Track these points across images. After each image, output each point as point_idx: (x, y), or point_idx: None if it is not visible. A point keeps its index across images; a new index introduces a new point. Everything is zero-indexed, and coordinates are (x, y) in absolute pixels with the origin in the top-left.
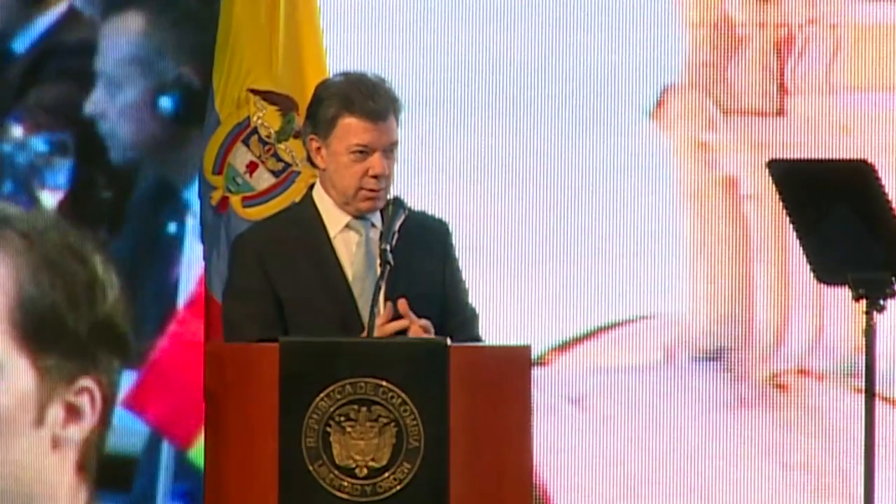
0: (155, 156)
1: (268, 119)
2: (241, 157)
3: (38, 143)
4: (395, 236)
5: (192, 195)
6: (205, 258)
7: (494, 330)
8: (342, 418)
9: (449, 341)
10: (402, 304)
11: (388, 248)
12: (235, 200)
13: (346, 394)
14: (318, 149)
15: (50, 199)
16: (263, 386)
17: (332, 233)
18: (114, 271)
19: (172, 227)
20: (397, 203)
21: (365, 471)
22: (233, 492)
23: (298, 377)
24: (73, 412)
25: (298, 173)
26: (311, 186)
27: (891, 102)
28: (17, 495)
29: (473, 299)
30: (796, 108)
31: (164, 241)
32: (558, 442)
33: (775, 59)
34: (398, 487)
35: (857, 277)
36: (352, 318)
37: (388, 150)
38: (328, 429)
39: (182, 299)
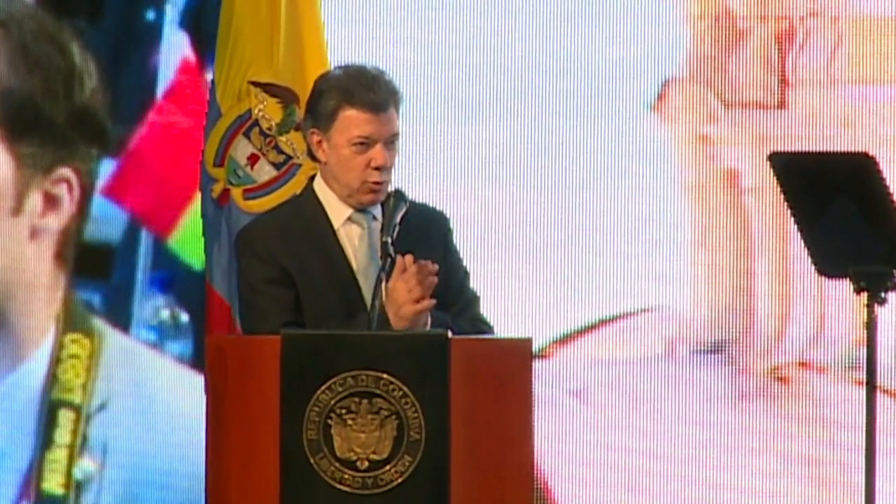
0: None
1: (269, 111)
2: (242, 149)
3: None
4: (397, 229)
5: None
6: (206, 251)
7: (496, 323)
8: (343, 411)
9: (450, 334)
10: (409, 259)
11: (390, 240)
12: (236, 193)
13: (348, 386)
14: (320, 142)
15: None
16: (265, 379)
17: (335, 225)
18: (92, 60)
19: (151, 15)
20: (398, 195)
21: (366, 463)
22: (234, 484)
23: (299, 370)
24: (51, 201)
25: (299, 166)
26: (312, 179)
27: (892, 95)
28: None
29: (476, 292)
30: (797, 101)
31: (142, 29)
32: (559, 434)
33: (776, 51)
34: (399, 480)
35: (858, 270)
36: (358, 309)
37: (390, 141)
38: (329, 421)
39: (161, 88)
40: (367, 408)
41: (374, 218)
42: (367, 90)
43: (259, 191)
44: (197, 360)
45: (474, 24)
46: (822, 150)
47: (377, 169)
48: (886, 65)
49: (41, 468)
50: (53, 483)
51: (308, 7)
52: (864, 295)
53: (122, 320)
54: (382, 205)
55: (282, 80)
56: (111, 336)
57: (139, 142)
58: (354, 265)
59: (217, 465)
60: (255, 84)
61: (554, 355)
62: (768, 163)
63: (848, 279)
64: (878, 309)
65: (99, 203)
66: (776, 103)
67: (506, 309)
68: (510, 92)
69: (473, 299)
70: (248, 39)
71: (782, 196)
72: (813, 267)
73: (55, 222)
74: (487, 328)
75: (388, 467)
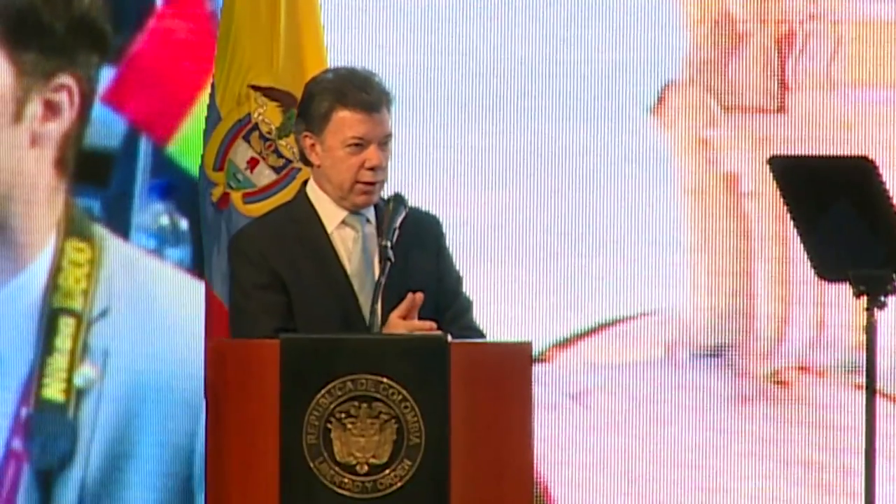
0: None
1: (269, 115)
2: (241, 153)
3: None
4: (396, 233)
5: None
6: (205, 255)
7: (495, 327)
8: (343, 415)
9: (449, 338)
10: (420, 297)
11: (389, 244)
12: (236, 197)
13: (347, 390)
14: (313, 145)
15: None
16: (264, 383)
17: (329, 229)
18: None
19: None
20: (398, 200)
21: (366, 468)
22: (234, 489)
23: (299, 374)
24: (51, 108)
25: (299, 170)
26: (305, 183)
27: (892, 99)
28: None
29: (474, 296)
30: (797, 105)
31: None
32: (559, 438)
33: (776, 55)
34: (399, 484)
35: (857, 274)
36: (353, 312)
37: (383, 142)
38: (329, 425)
39: None
40: (367, 412)
41: (368, 221)
42: (360, 91)
43: (259, 195)
44: (196, 267)
45: (474, 28)
46: (821, 153)
47: (371, 169)
48: (886, 68)
49: (41, 374)
50: (54, 389)
51: (308, 11)
52: (864, 299)
53: (121, 227)
54: (376, 208)
55: (282, 85)
56: (112, 243)
57: (139, 49)
58: (348, 268)
59: (217, 469)
60: (255, 88)
61: (554, 359)
62: (768, 166)
63: (847, 283)
64: (877, 313)
65: (99, 110)
66: (776, 107)
67: (505, 312)
68: (511, 95)
69: (467, 306)
70: (248, 43)
71: (782, 200)
72: (812, 271)
73: (56, 129)
74: (478, 336)
75: (387, 471)
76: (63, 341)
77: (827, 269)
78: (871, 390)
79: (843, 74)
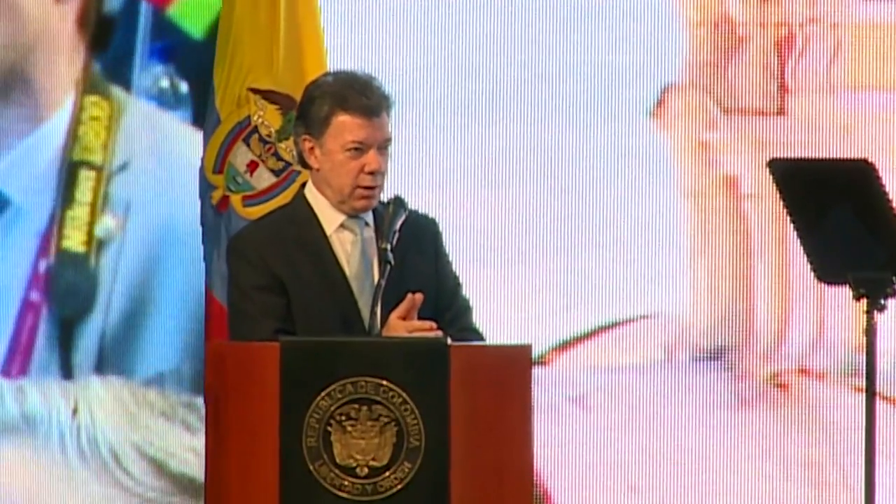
0: None
1: (268, 118)
2: (241, 156)
3: None
4: (396, 236)
5: None
6: (205, 258)
7: (495, 329)
8: (343, 417)
9: (449, 340)
10: (419, 297)
11: (389, 247)
12: (236, 199)
13: (347, 393)
14: (312, 149)
15: None
16: (264, 385)
17: (328, 231)
18: None
19: None
20: (398, 202)
21: (366, 470)
22: (234, 491)
23: (299, 376)
24: None
25: (299, 172)
26: (303, 186)
27: (891, 102)
28: (19, 48)
29: (474, 299)
30: (797, 108)
31: None
32: (559, 441)
33: (776, 58)
34: (399, 487)
35: (857, 277)
36: (352, 315)
37: (383, 146)
38: (329, 428)
39: None
40: (367, 414)
41: (367, 224)
42: (361, 95)
43: (258, 197)
44: (196, 128)
45: (474, 31)
46: (821, 156)
47: (371, 174)
48: (886, 71)
49: (62, 225)
50: (74, 241)
51: (308, 14)
52: (864, 301)
53: (122, 90)
54: (375, 211)
55: (281, 87)
56: (130, 100)
57: None
58: (347, 271)
59: (217, 472)
60: (255, 91)
61: (553, 362)
62: (767, 169)
63: (847, 286)
64: (877, 315)
65: None
66: (775, 110)
67: (505, 315)
68: (511, 98)
69: (465, 308)
70: (248, 46)
71: (781, 202)
72: (812, 273)
73: None
74: (477, 338)
75: (387, 474)
76: (83, 193)
77: (827, 271)
78: (870, 393)
79: (842, 77)
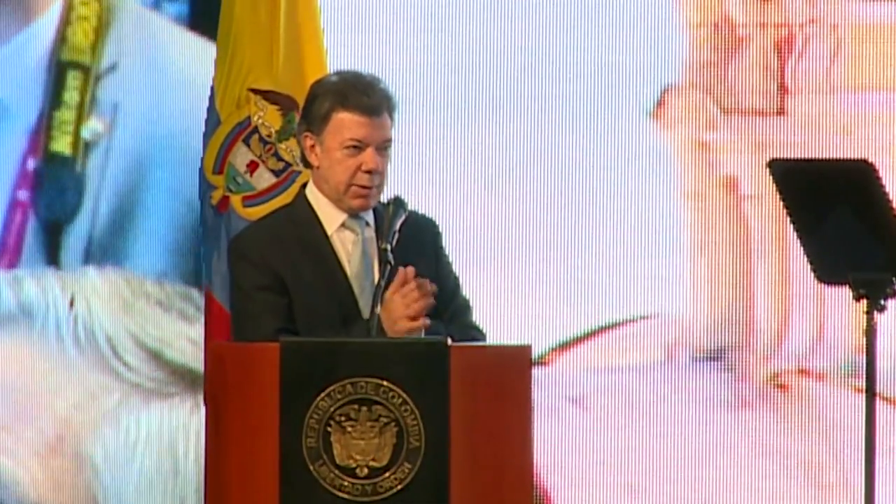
0: None
1: (268, 118)
2: (241, 156)
3: None
4: (396, 236)
5: None
6: (205, 259)
7: (495, 329)
8: (343, 418)
9: (449, 341)
10: (411, 271)
11: (389, 247)
12: (236, 200)
13: (347, 393)
14: (313, 146)
15: None
16: (264, 386)
17: (329, 231)
18: None
19: None
20: (398, 203)
21: (365, 470)
22: (234, 492)
23: (299, 377)
24: None
25: (299, 173)
26: (304, 186)
27: (891, 102)
28: None
29: (475, 299)
30: (797, 108)
31: None
32: (559, 441)
33: (776, 59)
34: (399, 487)
35: (857, 277)
36: (353, 315)
37: (382, 146)
38: (329, 428)
39: None
40: (367, 415)
41: (368, 224)
42: (362, 94)
43: (258, 198)
44: (194, 21)
45: (474, 31)
46: (821, 156)
47: (368, 173)
48: (886, 72)
49: (49, 127)
50: (61, 143)
51: (308, 14)
52: (864, 302)
53: None
54: (375, 211)
55: (281, 88)
56: (121, 1)
57: None
58: (348, 271)
59: (217, 472)
60: (255, 91)
61: (553, 362)
62: (767, 170)
63: (847, 286)
64: (877, 316)
65: None
66: (775, 110)
67: (505, 316)
68: (511, 99)
69: (465, 306)
70: (248, 46)
71: (781, 203)
72: (812, 274)
73: None
74: (479, 335)
75: (387, 474)
76: (71, 95)
77: (827, 272)
78: (870, 393)
79: (842, 77)
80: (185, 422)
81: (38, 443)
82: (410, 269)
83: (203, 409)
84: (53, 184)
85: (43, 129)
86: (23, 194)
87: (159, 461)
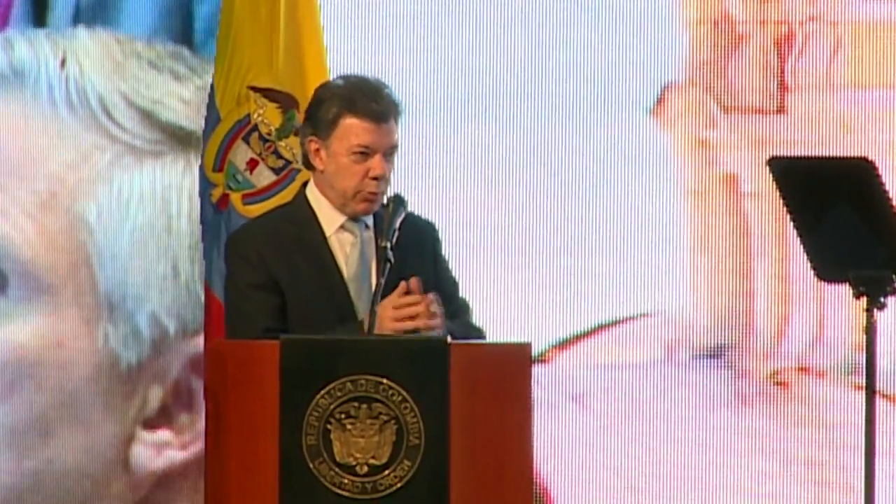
0: None
1: (268, 116)
2: (241, 154)
3: None
4: (396, 234)
5: None
6: (205, 256)
7: (495, 328)
8: (343, 416)
9: (449, 339)
10: (415, 282)
11: (389, 245)
12: (236, 198)
13: (347, 391)
14: (318, 150)
15: None
16: (264, 383)
17: (327, 232)
18: None
19: None
20: (398, 201)
21: (365, 468)
22: (234, 489)
23: (299, 375)
24: None
25: (299, 171)
26: (304, 185)
27: (891, 100)
28: None
29: (474, 297)
30: (797, 106)
31: None
32: (559, 439)
33: (776, 56)
34: (399, 485)
35: (857, 275)
36: (348, 317)
37: (388, 152)
38: (329, 426)
39: None
40: (367, 413)
41: (367, 227)
42: (370, 100)
43: (258, 196)
44: None
45: (474, 30)
46: (821, 154)
47: (375, 179)
48: (886, 69)
49: None
50: None
51: (308, 12)
52: (864, 299)
53: None
54: (375, 213)
55: (281, 86)
56: None
57: None
58: (345, 272)
59: (217, 470)
60: (255, 89)
61: (553, 360)
62: (767, 167)
63: (847, 284)
64: (877, 314)
65: None
66: (775, 108)
67: (505, 313)
68: (510, 97)
69: (464, 307)
70: (248, 44)
71: (781, 201)
72: (812, 271)
73: None
74: (479, 334)
75: (387, 472)
76: None
77: (827, 270)
78: (870, 391)
79: (842, 75)
80: (179, 181)
81: (31, 202)
82: (414, 282)
83: (195, 169)
84: None
85: None
86: None
87: (153, 219)
